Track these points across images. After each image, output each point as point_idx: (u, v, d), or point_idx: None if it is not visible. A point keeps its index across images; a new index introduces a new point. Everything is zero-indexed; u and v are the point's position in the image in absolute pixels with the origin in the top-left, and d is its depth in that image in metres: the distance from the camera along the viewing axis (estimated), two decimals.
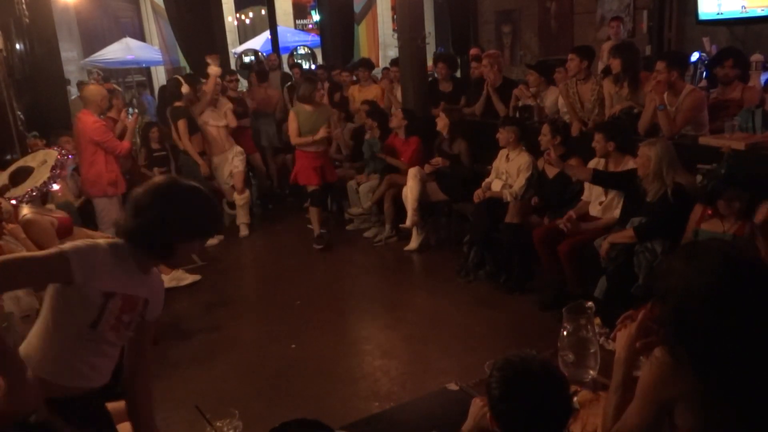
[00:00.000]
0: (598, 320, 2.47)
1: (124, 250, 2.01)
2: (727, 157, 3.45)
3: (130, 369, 2.18)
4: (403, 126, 6.05)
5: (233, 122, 6.67)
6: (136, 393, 2.19)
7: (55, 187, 4.38)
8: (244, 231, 6.65)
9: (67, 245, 1.93)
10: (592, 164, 4.38)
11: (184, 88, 6.44)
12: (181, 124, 6.32)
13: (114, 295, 1.97)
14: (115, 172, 5.49)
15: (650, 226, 3.71)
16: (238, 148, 6.73)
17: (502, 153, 5.12)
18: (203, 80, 7.38)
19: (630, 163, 4.16)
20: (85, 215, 5.52)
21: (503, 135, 5.01)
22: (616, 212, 4.20)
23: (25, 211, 4.14)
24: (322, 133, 5.86)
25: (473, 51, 7.74)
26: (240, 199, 6.65)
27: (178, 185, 2.04)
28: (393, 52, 11.31)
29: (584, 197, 4.48)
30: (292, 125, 5.99)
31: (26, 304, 3.36)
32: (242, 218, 6.70)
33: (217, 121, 6.58)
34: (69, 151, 4.73)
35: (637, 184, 3.89)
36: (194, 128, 6.41)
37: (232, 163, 6.66)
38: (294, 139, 6.03)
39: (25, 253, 1.95)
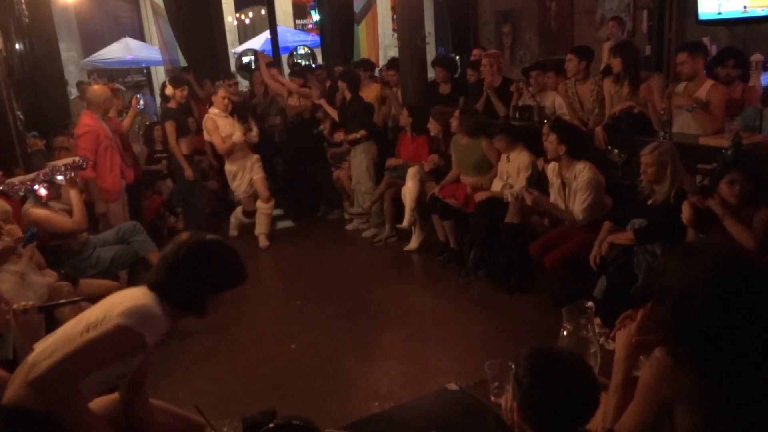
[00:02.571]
0: (598, 320, 2.48)
1: (163, 304, 2.08)
2: (735, 138, 3.44)
3: (134, 385, 2.28)
4: (409, 123, 6.03)
5: (254, 138, 6.42)
6: (140, 408, 2.31)
7: (43, 192, 4.25)
8: (263, 242, 6.37)
9: (127, 317, 1.97)
10: (549, 169, 4.50)
11: (168, 90, 6.43)
12: (169, 125, 6.28)
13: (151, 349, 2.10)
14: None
15: (651, 230, 3.69)
16: (256, 156, 6.41)
17: (503, 156, 5.13)
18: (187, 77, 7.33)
19: (578, 167, 4.26)
20: None
21: (497, 144, 5.07)
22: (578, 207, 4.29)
23: (30, 208, 4.15)
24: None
25: (475, 52, 7.72)
26: (265, 207, 6.35)
27: (205, 242, 2.13)
28: (393, 52, 11.30)
29: (551, 199, 4.53)
30: (453, 159, 5.57)
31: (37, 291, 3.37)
32: (262, 228, 6.40)
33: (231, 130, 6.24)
34: (83, 160, 4.62)
35: (637, 186, 3.87)
36: (184, 131, 6.39)
37: (252, 170, 6.33)
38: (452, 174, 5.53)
39: (90, 337, 1.97)
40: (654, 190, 3.76)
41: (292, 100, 7.46)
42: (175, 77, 7.15)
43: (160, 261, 2.13)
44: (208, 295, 2.12)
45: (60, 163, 4.32)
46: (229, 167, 6.38)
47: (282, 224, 7.15)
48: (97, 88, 5.46)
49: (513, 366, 1.64)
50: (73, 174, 4.28)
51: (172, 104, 6.40)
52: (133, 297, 2.09)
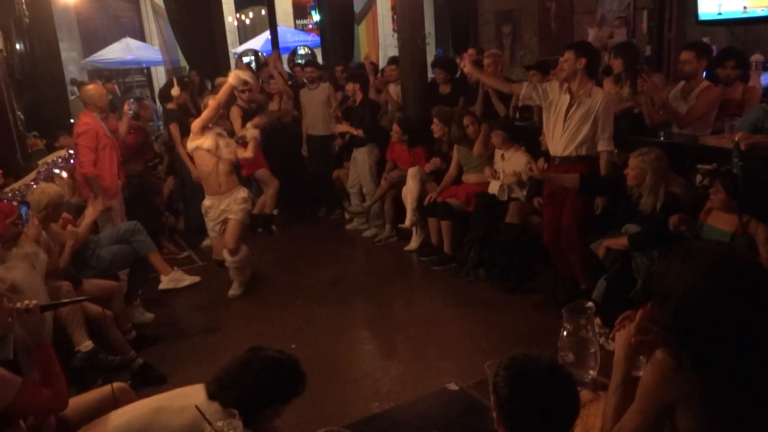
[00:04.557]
0: (598, 320, 2.47)
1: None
2: (734, 147, 3.46)
3: None
4: (404, 140, 6.04)
5: (248, 153, 5.11)
6: None
7: None
8: (235, 289, 5.15)
9: None
10: (554, 85, 4.25)
11: (174, 90, 6.40)
12: (173, 127, 6.26)
13: None
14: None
15: (644, 238, 3.67)
16: (242, 194, 5.09)
17: (498, 153, 5.15)
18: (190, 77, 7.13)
19: (598, 92, 4.07)
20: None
21: (493, 140, 5.11)
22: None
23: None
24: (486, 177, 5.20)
25: (470, 51, 7.68)
26: (232, 261, 5.04)
27: (258, 358, 2.22)
28: (393, 52, 11.30)
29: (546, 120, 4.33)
30: (453, 161, 5.59)
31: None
32: (237, 274, 5.14)
33: (215, 150, 4.96)
34: (71, 155, 4.69)
35: (627, 189, 3.85)
36: (187, 131, 6.36)
37: (228, 208, 5.02)
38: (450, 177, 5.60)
39: None
40: (641, 194, 3.75)
41: (273, 105, 7.17)
42: (183, 79, 7.07)
43: (227, 375, 2.21)
44: (264, 409, 2.18)
45: (50, 159, 4.37)
46: (205, 202, 5.14)
47: (282, 224, 7.14)
48: (90, 88, 5.44)
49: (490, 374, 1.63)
50: (65, 165, 4.33)
51: (172, 105, 6.39)
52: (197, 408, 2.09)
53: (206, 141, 4.91)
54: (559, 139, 4.19)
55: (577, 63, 4.07)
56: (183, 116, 6.43)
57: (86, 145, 5.10)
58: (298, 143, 7.21)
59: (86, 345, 3.59)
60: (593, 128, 4.06)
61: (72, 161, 4.53)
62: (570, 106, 4.13)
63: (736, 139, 3.59)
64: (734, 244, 3.22)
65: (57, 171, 4.29)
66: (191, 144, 4.97)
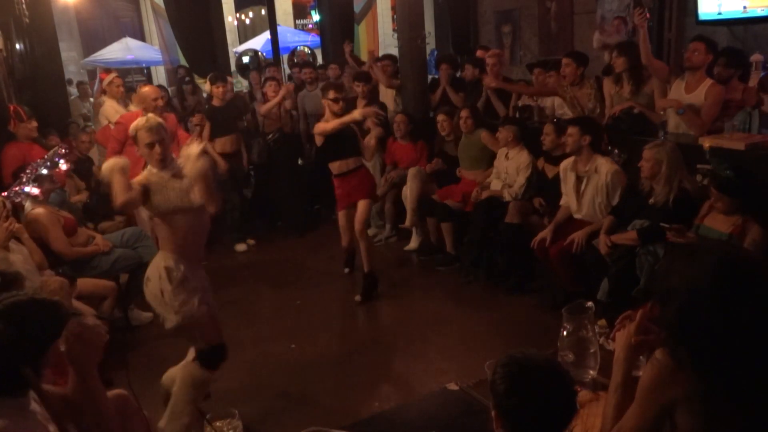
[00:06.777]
0: (603, 322, 2.48)
1: None
2: (710, 154, 3.48)
3: None
4: (407, 132, 6.04)
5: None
6: None
7: (35, 191, 4.23)
8: None
9: None
10: (564, 164, 4.45)
11: (206, 87, 6.38)
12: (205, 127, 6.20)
13: None
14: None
15: (654, 230, 3.67)
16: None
17: (502, 152, 5.14)
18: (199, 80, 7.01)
19: (599, 161, 4.23)
20: (87, 215, 5.51)
21: (502, 134, 5.06)
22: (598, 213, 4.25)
23: (31, 210, 4.18)
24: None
25: (479, 53, 7.69)
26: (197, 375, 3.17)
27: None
28: (393, 52, 11.32)
29: (562, 202, 4.49)
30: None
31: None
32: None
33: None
34: (61, 147, 4.66)
35: (638, 185, 3.86)
36: (222, 130, 6.16)
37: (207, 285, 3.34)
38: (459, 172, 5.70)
39: None
40: (653, 188, 3.75)
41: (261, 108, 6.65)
42: (215, 74, 6.71)
43: None
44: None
45: (39, 160, 4.39)
46: (177, 264, 3.07)
47: (281, 223, 7.14)
48: (146, 90, 5.55)
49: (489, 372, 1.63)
50: (58, 160, 4.33)
51: (216, 102, 6.28)
52: None
53: (163, 200, 3.00)
54: (578, 209, 4.38)
55: (582, 140, 4.24)
56: (218, 113, 6.22)
57: (114, 136, 5.46)
58: (296, 146, 7.18)
59: None
60: (606, 195, 4.23)
61: (64, 152, 4.51)
62: (579, 181, 4.32)
63: (706, 146, 3.63)
64: (735, 243, 3.23)
65: (45, 171, 4.27)
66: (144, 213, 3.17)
